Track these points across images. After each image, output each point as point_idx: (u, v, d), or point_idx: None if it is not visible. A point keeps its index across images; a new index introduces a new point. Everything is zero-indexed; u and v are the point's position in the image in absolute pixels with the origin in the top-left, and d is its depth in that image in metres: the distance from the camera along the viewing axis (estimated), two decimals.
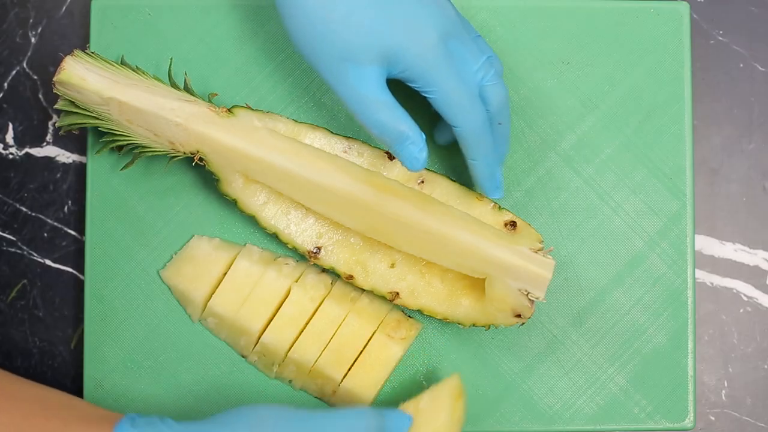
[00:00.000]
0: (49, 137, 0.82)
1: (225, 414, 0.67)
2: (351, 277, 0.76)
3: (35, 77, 0.83)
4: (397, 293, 0.76)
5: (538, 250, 0.72)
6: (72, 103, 0.73)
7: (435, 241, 0.72)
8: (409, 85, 0.71)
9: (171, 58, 0.77)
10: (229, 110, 0.74)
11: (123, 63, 0.74)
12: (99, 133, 0.75)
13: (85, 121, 0.73)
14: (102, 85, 0.72)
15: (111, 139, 0.74)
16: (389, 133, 0.69)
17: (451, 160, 0.79)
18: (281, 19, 0.70)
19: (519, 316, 0.73)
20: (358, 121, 0.70)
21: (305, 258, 0.77)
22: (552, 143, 0.80)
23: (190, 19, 0.80)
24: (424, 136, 0.70)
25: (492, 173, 0.74)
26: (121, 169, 0.77)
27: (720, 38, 0.84)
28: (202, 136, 0.73)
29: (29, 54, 0.83)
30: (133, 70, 0.73)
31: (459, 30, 0.71)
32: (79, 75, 0.72)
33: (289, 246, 0.76)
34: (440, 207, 0.73)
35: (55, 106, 0.73)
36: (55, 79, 0.71)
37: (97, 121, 0.73)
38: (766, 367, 0.82)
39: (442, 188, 0.76)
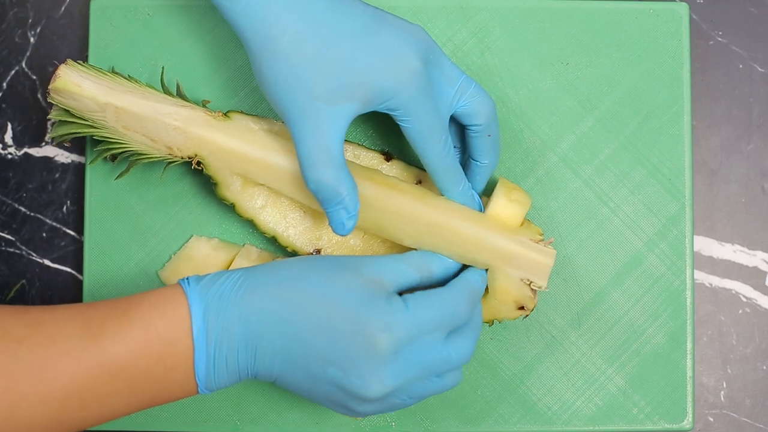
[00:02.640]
0: (47, 137, 0.82)
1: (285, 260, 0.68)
2: None
3: (34, 77, 0.83)
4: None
5: (539, 241, 0.72)
6: (66, 112, 0.72)
7: (436, 233, 0.72)
8: (386, 112, 0.69)
9: (163, 67, 0.76)
10: (225, 114, 0.74)
11: (115, 72, 0.74)
12: (95, 138, 0.75)
13: (79, 130, 0.73)
14: (98, 91, 0.72)
15: (106, 147, 0.74)
16: (326, 191, 0.68)
17: None
18: (250, 59, 0.69)
19: (522, 308, 0.73)
20: (302, 171, 0.68)
21: None
22: (551, 144, 0.80)
23: (189, 19, 0.80)
24: (358, 205, 0.69)
25: (468, 198, 0.74)
26: (116, 178, 0.76)
27: (719, 39, 0.84)
28: (200, 138, 0.73)
29: (28, 54, 0.83)
30: (126, 79, 0.73)
31: (437, 53, 0.70)
32: (74, 82, 0.71)
33: (288, 249, 0.76)
34: (440, 200, 0.73)
35: (49, 116, 0.73)
36: (50, 87, 0.71)
37: (92, 130, 0.73)
38: (764, 368, 0.82)
39: None
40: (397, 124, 0.70)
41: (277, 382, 0.67)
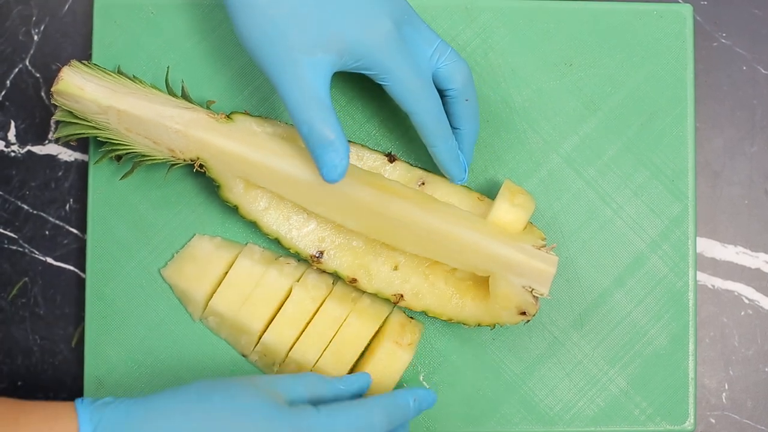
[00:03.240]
0: (51, 135, 0.82)
1: (179, 387, 0.67)
2: (354, 280, 0.75)
3: (37, 75, 0.83)
4: (401, 296, 0.76)
5: (541, 247, 0.72)
6: (70, 113, 0.72)
7: (438, 240, 0.72)
8: (364, 73, 0.71)
9: (168, 67, 0.77)
10: (228, 116, 0.74)
11: (120, 72, 0.74)
12: (99, 140, 0.75)
13: (83, 131, 0.73)
14: (100, 94, 0.72)
15: (110, 148, 0.74)
16: (315, 134, 0.69)
17: None
18: (229, 15, 0.70)
19: (524, 313, 0.73)
20: (290, 116, 0.69)
21: (308, 262, 0.77)
22: (554, 145, 0.80)
23: (193, 17, 0.80)
24: (348, 148, 0.69)
25: (455, 157, 0.75)
26: (121, 179, 0.76)
27: (723, 40, 0.84)
28: (201, 142, 0.73)
29: (32, 52, 0.83)
30: (130, 79, 0.73)
31: (411, 15, 0.72)
32: (76, 84, 0.71)
33: (291, 251, 0.76)
34: (442, 206, 0.73)
35: (53, 117, 0.73)
36: (53, 89, 0.71)
37: (95, 131, 0.73)
38: (766, 370, 0.82)
39: (443, 190, 0.76)
40: (403, 121, 0.70)
41: None
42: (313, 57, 0.68)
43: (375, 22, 0.69)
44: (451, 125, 0.75)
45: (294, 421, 0.64)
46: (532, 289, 0.72)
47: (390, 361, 0.76)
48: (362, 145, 0.77)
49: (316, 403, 0.68)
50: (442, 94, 0.74)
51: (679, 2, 0.82)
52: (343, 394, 0.71)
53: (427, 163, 0.79)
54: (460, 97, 0.74)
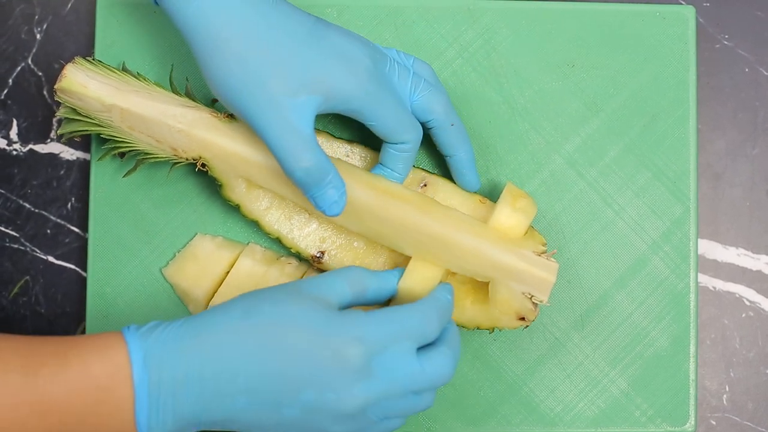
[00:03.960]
0: (53, 134, 0.82)
1: (224, 303, 0.66)
2: None
3: (40, 73, 0.83)
4: None
5: (542, 252, 0.72)
6: (74, 110, 0.73)
7: (438, 245, 0.72)
8: (352, 116, 0.71)
9: (172, 65, 0.77)
10: (231, 116, 0.74)
11: (124, 69, 0.74)
12: (102, 137, 0.75)
13: (86, 128, 0.73)
14: (103, 92, 0.72)
15: (113, 146, 0.74)
16: (313, 175, 0.68)
17: None
18: (202, 66, 0.68)
19: (523, 319, 0.73)
20: (280, 162, 0.68)
21: (309, 262, 0.77)
22: (556, 146, 0.80)
23: None
24: (344, 182, 0.70)
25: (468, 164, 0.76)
26: (124, 176, 0.76)
27: (725, 42, 0.84)
28: (204, 141, 0.73)
29: (34, 50, 0.83)
30: (135, 77, 0.73)
31: (381, 53, 0.72)
32: (80, 82, 0.72)
33: (292, 251, 0.76)
34: (443, 210, 0.73)
35: (57, 114, 0.73)
36: (56, 87, 0.72)
37: (99, 128, 0.73)
38: (767, 372, 0.82)
39: (445, 191, 0.76)
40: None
41: (239, 423, 0.64)
42: (297, 98, 0.67)
43: (356, 61, 0.69)
44: (446, 155, 0.75)
45: (344, 329, 0.63)
46: (532, 296, 0.72)
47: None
48: (365, 146, 0.77)
49: (361, 298, 0.68)
50: (424, 125, 0.74)
51: (681, 4, 0.82)
52: (387, 285, 0.70)
53: (429, 164, 0.79)
54: (445, 124, 0.74)
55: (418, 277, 0.73)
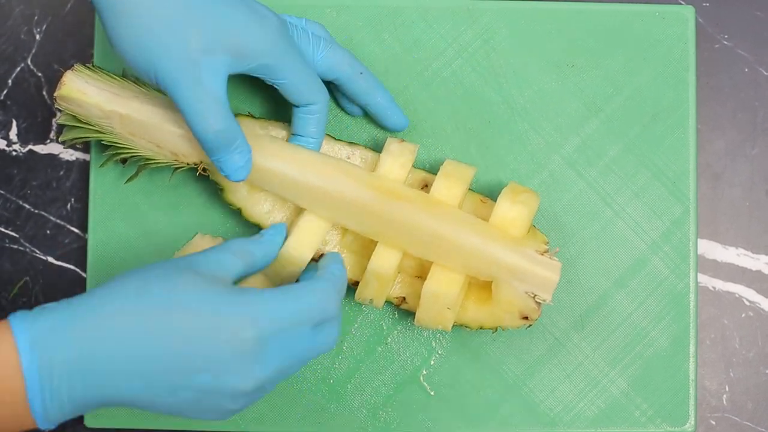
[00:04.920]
0: (52, 134, 0.82)
1: (117, 278, 0.64)
2: (357, 283, 0.75)
3: (39, 74, 0.83)
4: (404, 298, 0.76)
5: (544, 252, 0.72)
6: (74, 117, 0.73)
7: (441, 244, 0.72)
8: (256, 76, 0.71)
9: None
10: None
11: (124, 76, 0.74)
12: (103, 143, 0.75)
13: (88, 135, 0.73)
14: (102, 99, 0.72)
15: (115, 152, 0.74)
16: (222, 139, 0.69)
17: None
18: (109, 28, 0.67)
19: (526, 318, 0.73)
20: (188, 124, 0.68)
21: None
22: (556, 146, 0.80)
23: None
24: (250, 147, 0.70)
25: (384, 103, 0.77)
26: (126, 182, 0.76)
27: (725, 42, 0.84)
28: None
29: (34, 51, 0.83)
30: (134, 82, 0.73)
31: (282, 17, 0.72)
32: (79, 89, 0.72)
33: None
34: (446, 209, 0.73)
35: (57, 121, 0.73)
36: (55, 94, 0.72)
37: (100, 135, 0.73)
38: (767, 372, 0.82)
39: (446, 192, 0.76)
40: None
41: (135, 403, 0.62)
42: (213, 57, 0.68)
43: (268, 19, 0.70)
44: (365, 105, 0.77)
45: (240, 310, 0.62)
46: (535, 295, 0.72)
47: None
48: (366, 147, 0.77)
49: (253, 266, 0.68)
50: (335, 83, 0.76)
51: (681, 4, 0.82)
52: (272, 248, 0.71)
53: (429, 164, 0.79)
54: (353, 75, 0.75)
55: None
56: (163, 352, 0.61)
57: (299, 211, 0.76)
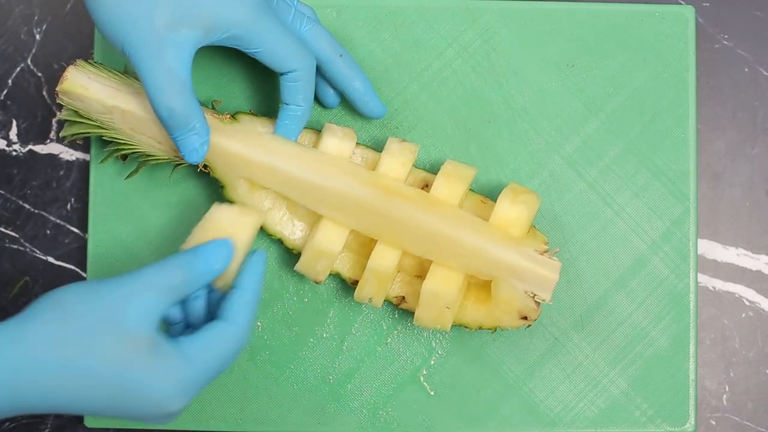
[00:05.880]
0: (52, 134, 0.82)
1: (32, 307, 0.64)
2: (356, 282, 0.75)
3: (39, 74, 0.83)
4: (403, 297, 0.76)
5: (544, 251, 0.72)
6: (76, 112, 0.73)
7: (441, 243, 0.72)
8: (230, 46, 0.70)
9: None
10: (233, 116, 0.74)
11: (126, 71, 0.74)
12: (104, 139, 0.75)
13: (89, 130, 0.73)
14: (104, 94, 0.72)
15: (115, 148, 0.74)
16: (177, 118, 0.69)
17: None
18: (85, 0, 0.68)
19: (525, 318, 0.73)
20: (149, 97, 0.68)
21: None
22: (556, 146, 0.80)
23: None
24: (209, 130, 0.70)
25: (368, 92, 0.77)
26: (126, 178, 0.76)
27: (725, 42, 0.84)
28: None
29: (33, 51, 0.83)
30: (136, 79, 0.73)
31: None
32: (81, 84, 0.72)
33: (294, 252, 0.76)
34: (446, 208, 0.73)
35: (59, 116, 0.73)
36: (57, 89, 0.72)
37: (101, 130, 0.73)
38: (767, 372, 0.82)
39: (446, 191, 0.76)
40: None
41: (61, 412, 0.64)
42: (179, 33, 0.67)
43: None
44: (343, 89, 0.76)
45: (165, 381, 0.63)
46: (535, 295, 0.72)
47: None
48: (367, 146, 0.77)
49: (182, 298, 0.66)
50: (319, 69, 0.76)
51: (681, 4, 0.82)
52: (206, 273, 0.68)
53: (429, 165, 0.79)
54: (333, 57, 0.75)
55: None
56: (86, 398, 0.63)
57: (298, 207, 0.76)
